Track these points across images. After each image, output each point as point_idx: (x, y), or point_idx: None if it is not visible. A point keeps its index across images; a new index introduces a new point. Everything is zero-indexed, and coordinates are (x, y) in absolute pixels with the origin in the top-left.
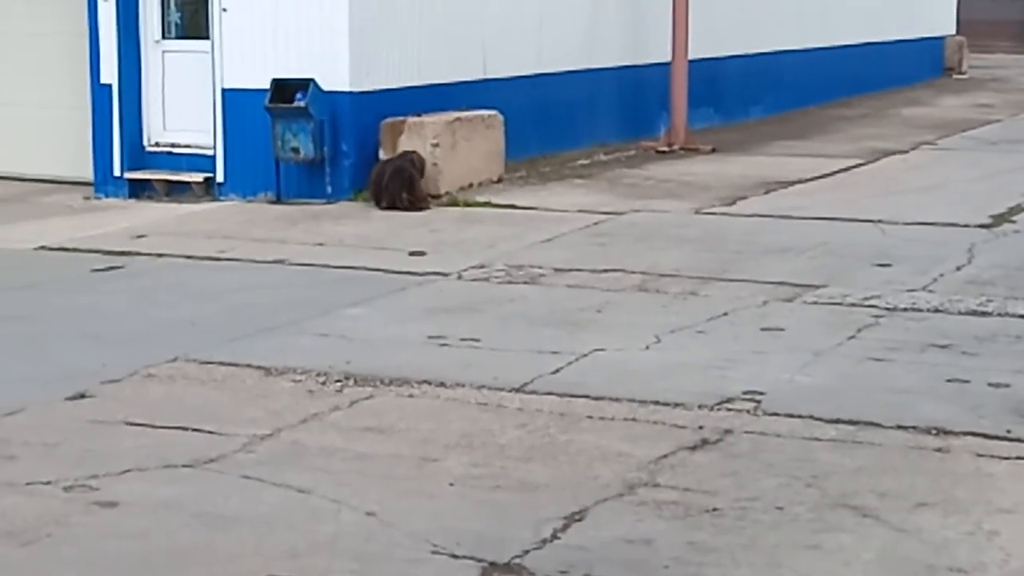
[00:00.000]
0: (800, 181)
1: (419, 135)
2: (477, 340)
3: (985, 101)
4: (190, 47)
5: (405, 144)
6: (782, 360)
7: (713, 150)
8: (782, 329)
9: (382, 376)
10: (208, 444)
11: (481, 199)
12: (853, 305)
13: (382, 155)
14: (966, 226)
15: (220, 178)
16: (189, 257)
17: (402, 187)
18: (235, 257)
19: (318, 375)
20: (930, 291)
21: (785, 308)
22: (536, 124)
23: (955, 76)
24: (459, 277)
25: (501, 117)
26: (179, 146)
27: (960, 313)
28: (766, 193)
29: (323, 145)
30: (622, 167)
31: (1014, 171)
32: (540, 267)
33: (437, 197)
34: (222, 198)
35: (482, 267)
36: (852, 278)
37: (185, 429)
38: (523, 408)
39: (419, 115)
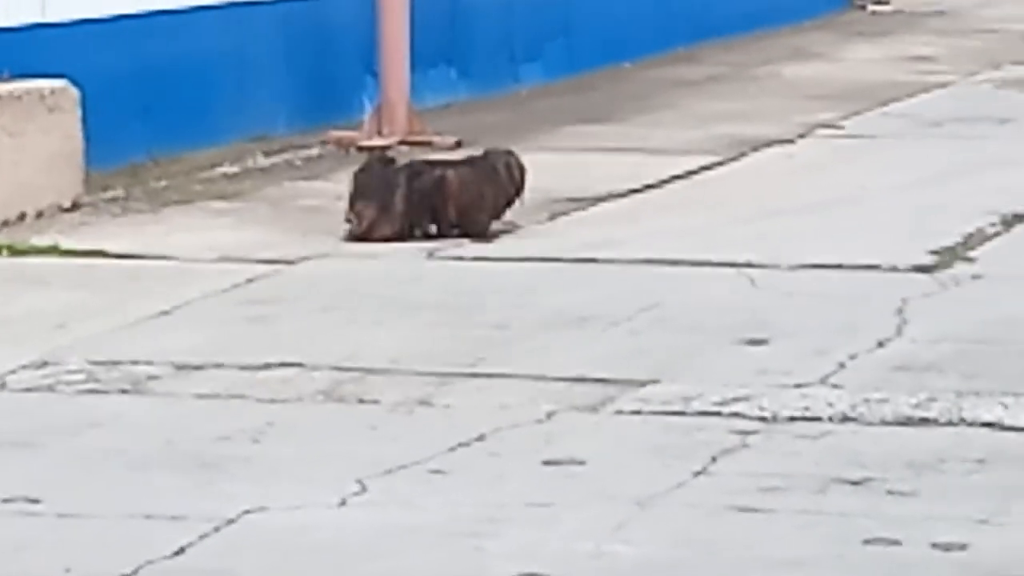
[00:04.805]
0: (610, 196)
1: None
2: (34, 502)
3: (922, 51)
4: None
5: None
6: (583, 517)
7: (458, 143)
8: (581, 462)
9: None
10: None
11: (41, 241)
12: (703, 414)
13: None
14: (893, 269)
15: None
16: None
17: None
18: None
19: None
20: (834, 385)
21: (586, 423)
22: (142, 104)
23: (871, 8)
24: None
25: (76, 92)
26: None
27: (884, 423)
28: (551, 218)
29: None
30: (297, 178)
31: (971, 171)
32: (150, 363)
33: None
34: None
35: (43, 366)
36: (702, 366)
37: None
38: None
39: None
